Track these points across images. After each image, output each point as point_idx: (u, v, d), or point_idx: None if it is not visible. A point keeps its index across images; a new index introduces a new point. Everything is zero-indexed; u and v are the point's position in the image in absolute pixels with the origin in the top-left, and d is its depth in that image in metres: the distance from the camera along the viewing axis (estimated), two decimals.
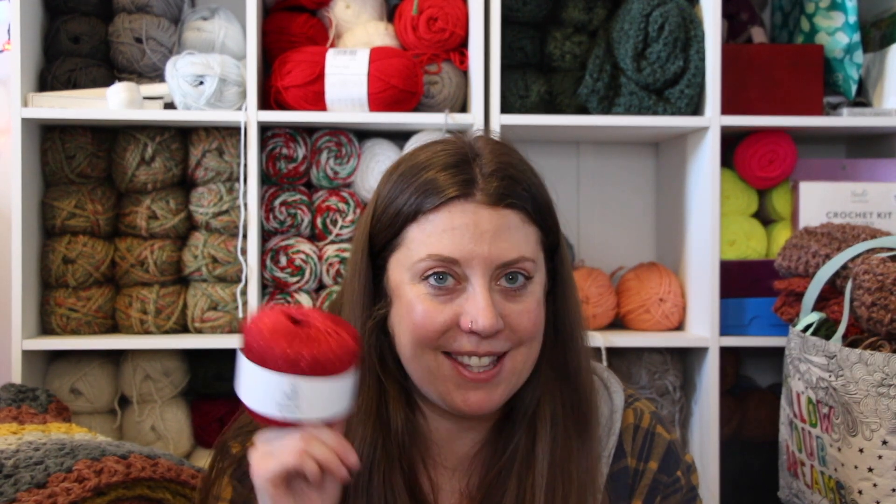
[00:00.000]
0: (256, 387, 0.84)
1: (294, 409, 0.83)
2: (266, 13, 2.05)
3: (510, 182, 0.93)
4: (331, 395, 0.84)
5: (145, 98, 1.89)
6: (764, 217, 2.08)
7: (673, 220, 2.13)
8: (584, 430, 0.99)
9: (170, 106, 1.91)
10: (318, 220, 1.95)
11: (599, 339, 1.89)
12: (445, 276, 0.92)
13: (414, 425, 1.00)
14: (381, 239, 0.97)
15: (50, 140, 1.92)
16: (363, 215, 1.00)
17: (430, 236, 0.92)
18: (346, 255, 1.89)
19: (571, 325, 1.00)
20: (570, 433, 0.98)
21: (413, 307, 0.93)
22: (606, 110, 1.95)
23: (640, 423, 1.03)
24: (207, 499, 1.02)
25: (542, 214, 0.97)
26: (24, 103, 1.84)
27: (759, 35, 2.15)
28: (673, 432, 1.05)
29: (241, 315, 1.90)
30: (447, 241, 0.91)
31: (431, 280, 0.92)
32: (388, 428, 0.97)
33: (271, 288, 1.95)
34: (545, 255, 0.98)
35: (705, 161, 1.92)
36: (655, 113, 1.93)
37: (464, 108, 2.00)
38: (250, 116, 1.86)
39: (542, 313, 0.96)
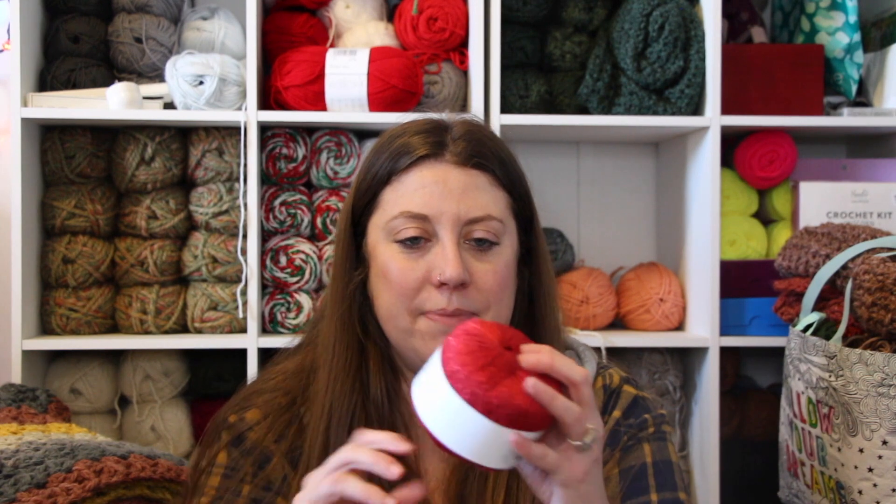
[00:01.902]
0: (472, 434, 0.76)
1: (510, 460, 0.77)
2: (266, 13, 2.05)
3: (478, 145, 1.00)
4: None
5: (145, 98, 1.89)
6: (764, 217, 2.08)
7: (673, 220, 2.13)
8: None
9: (169, 106, 1.91)
10: (318, 220, 1.95)
11: (599, 339, 1.89)
12: (417, 238, 0.97)
13: (396, 391, 1.03)
14: (360, 204, 1.03)
15: (50, 140, 1.92)
16: (349, 192, 1.06)
17: (402, 196, 0.98)
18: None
19: (545, 299, 1.05)
20: None
21: (388, 266, 0.98)
22: (606, 110, 1.95)
23: (608, 383, 1.08)
24: (199, 471, 1.03)
25: (511, 181, 1.02)
26: (24, 103, 1.84)
27: (759, 35, 2.14)
28: (644, 390, 1.09)
29: (240, 315, 1.90)
30: (417, 199, 0.97)
31: (405, 241, 0.98)
32: (368, 392, 1.01)
33: (271, 288, 1.95)
34: (518, 226, 1.03)
35: (705, 161, 1.92)
36: (655, 113, 1.93)
37: (464, 108, 2.00)
38: (250, 116, 1.86)
39: (510, 277, 1.01)
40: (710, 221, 1.90)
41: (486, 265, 0.98)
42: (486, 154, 1.00)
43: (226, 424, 1.04)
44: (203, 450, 1.05)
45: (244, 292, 1.89)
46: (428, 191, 0.97)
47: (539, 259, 1.05)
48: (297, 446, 1.01)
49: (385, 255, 0.99)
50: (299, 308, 1.92)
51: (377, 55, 1.89)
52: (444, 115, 1.06)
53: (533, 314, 1.05)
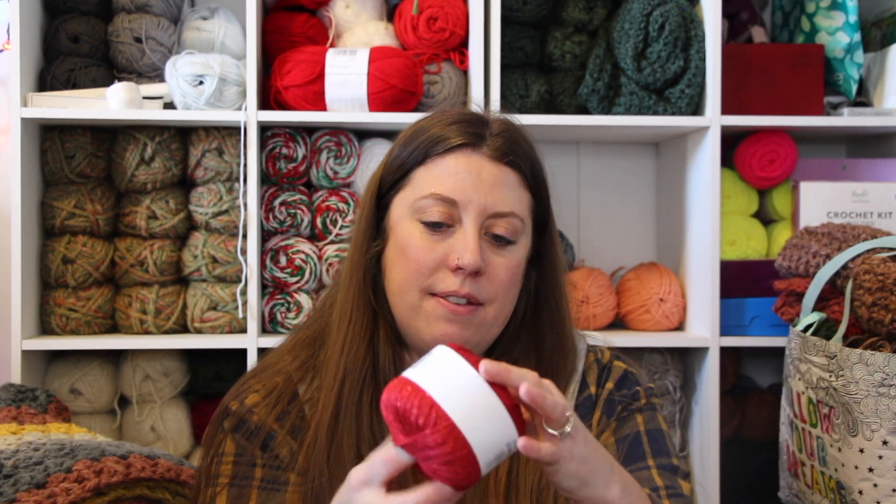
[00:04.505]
0: (489, 424, 0.78)
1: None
2: (266, 13, 2.05)
3: (514, 144, 1.04)
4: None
5: (145, 98, 1.89)
6: (764, 217, 2.08)
7: (673, 220, 2.13)
8: None
9: (169, 106, 1.91)
10: (318, 220, 1.95)
11: (599, 340, 1.88)
12: (441, 224, 1.00)
13: (402, 362, 1.05)
14: (389, 179, 1.06)
15: (49, 140, 1.91)
16: (378, 165, 1.10)
17: (434, 177, 1.02)
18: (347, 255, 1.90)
19: (553, 302, 1.08)
20: None
21: (407, 243, 1.01)
22: (606, 110, 1.95)
23: (599, 357, 1.13)
24: (209, 463, 1.05)
25: (537, 185, 1.06)
26: (24, 103, 1.84)
27: (759, 35, 2.14)
28: (633, 366, 1.14)
29: (240, 315, 1.90)
30: (449, 183, 1.01)
31: (429, 224, 1.01)
32: (377, 360, 1.04)
33: (271, 288, 1.95)
34: (534, 228, 1.07)
35: (705, 161, 1.92)
36: (656, 113, 1.93)
37: (464, 108, 2.00)
38: (250, 116, 1.86)
39: (519, 275, 1.04)
40: (710, 221, 1.90)
41: (501, 259, 1.02)
42: (520, 154, 1.04)
43: (227, 413, 1.06)
44: (209, 443, 1.07)
45: (244, 292, 1.89)
46: (461, 177, 1.01)
47: (549, 262, 1.09)
48: (298, 425, 1.04)
49: (406, 231, 1.02)
50: (299, 308, 1.92)
51: (377, 55, 1.88)
52: (484, 112, 1.10)
53: (539, 316, 1.08)
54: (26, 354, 1.82)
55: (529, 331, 1.08)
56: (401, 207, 1.04)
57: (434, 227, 1.01)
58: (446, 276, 1.00)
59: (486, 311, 1.01)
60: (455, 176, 1.01)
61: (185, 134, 1.96)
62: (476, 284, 1.00)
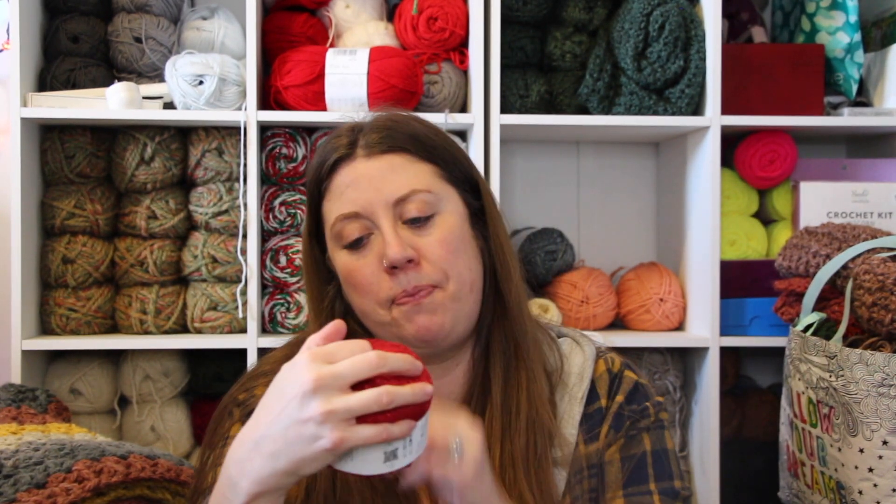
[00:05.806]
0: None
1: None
2: (266, 13, 2.05)
3: (384, 130, 1.04)
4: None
5: (145, 98, 1.89)
6: (764, 217, 2.08)
7: (673, 220, 2.12)
8: (526, 361, 1.07)
9: (169, 106, 1.91)
10: None
11: (600, 340, 1.88)
12: (360, 239, 1.01)
13: None
14: (313, 227, 1.08)
15: (49, 140, 1.91)
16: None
17: (333, 203, 1.03)
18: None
19: (501, 255, 1.07)
20: (521, 366, 1.06)
21: (346, 272, 1.03)
22: (606, 110, 1.95)
23: (611, 367, 1.13)
24: (214, 442, 1.06)
25: (430, 152, 1.05)
26: (24, 103, 1.84)
27: (759, 35, 2.14)
28: (643, 377, 1.13)
29: (240, 315, 1.90)
30: (345, 200, 1.02)
31: (350, 245, 1.02)
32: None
33: (271, 288, 1.95)
34: (460, 190, 1.06)
35: (705, 161, 1.92)
36: (656, 113, 1.93)
37: (464, 107, 2.00)
38: (250, 116, 1.86)
39: (460, 242, 1.03)
40: (710, 221, 1.90)
41: (429, 237, 1.01)
42: (393, 136, 1.03)
43: (236, 402, 1.07)
44: (214, 429, 1.07)
45: (244, 292, 1.89)
46: (351, 189, 1.02)
47: (489, 219, 1.08)
48: None
49: (341, 262, 1.04)
50: (299, 308, 1.92)
51: (377, 55, 1.88)
52: (363, 116, 1.09)
53: (496, 274, 1.08)
54: (26, 354, 1.82)
55: (494, 289, 1.08)
56: (329, 244, 1.05)
57: (355, 245, 1.02)
58: (390, 283, 1.00)
59: (444, 290, 1.01)
60: (346, 191, 1.02)
61: (185, 134, 1.96)
62: (419, 273, 0.99)
